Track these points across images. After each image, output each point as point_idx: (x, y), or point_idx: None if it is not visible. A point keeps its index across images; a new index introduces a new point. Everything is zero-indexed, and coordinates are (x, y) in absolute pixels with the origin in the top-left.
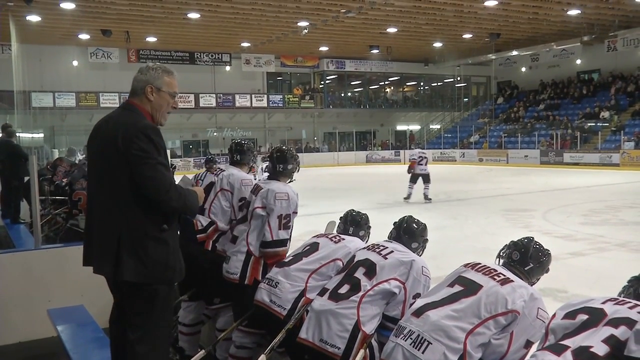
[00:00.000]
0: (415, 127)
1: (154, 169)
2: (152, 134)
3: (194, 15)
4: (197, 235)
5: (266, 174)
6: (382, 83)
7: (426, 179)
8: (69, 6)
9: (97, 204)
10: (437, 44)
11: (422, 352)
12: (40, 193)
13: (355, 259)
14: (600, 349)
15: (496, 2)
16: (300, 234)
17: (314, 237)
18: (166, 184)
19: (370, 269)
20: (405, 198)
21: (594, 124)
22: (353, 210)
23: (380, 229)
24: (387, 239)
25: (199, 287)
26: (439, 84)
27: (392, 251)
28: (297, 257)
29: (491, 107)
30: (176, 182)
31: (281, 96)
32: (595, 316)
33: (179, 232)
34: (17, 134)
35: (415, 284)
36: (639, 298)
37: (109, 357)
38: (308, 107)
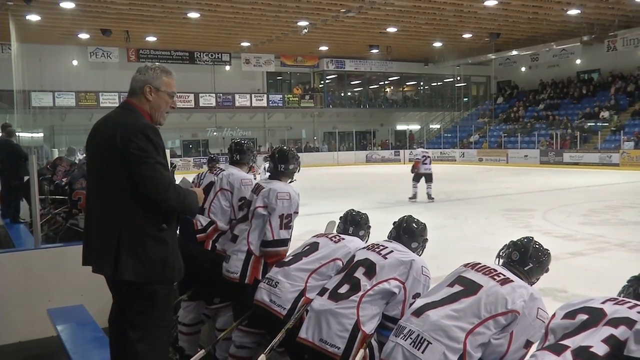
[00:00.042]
0: (415, 127)
1: (153, 168)
2: (151, 134)
3: (193, 15)
4: (197, 235)
5: (268, 174)
6: (382, 83)
7: (429, 178)
8: (68, 5)
9: (96, 204)
10: (437, 44)
11: (422, 352)
12: (40, 192)
13: (355, 259)
14: (600, 349)
15: (496, 2)
16: (300, 233)
17: (314, 236)
18: (165, 183)
19: (370, 268)
20: (410, 198)
21: (593, 124)
22: (353, 210)
23: (380, 229)
24: (386, 238)
25: (198, 286)
26: (438, 83)
27: (391, 251)
28: (297, 256)
29: (491, 106)
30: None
31: (281, 96)
32: (595, 316)
33: (178, 232)
34: (17, 134)
35: (415, 284)
36: (638, 298)
37: (108, 356)
38: (308, 106)
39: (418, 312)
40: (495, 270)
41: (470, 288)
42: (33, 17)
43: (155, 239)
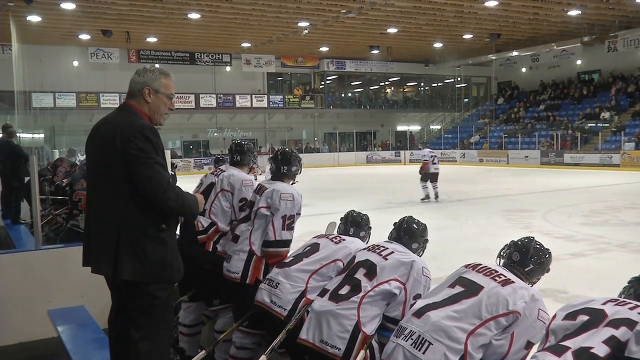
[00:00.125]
0: (416, 128)
1: (151, 168)
2: (150, 134)
3: (194, 16)
4: (198, 237)
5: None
6: (383, 83)
7: (436, 177)
8: (69, 6)
9: (96, 204)
10: (438, 45)
11: (423, 353)
12: (41, 193)
13: (356, 260)
14: (601, 350)
15: (496, 3)
16: (301, 234)
17: (315, 237)
18: (163, 183)
19: (371, 269)
20: (423, 199)
21: (594, 125)
22: (353, 210)
23: (380, 230)
24: (387, 239)
25: (199, 288)
26: (439, 84)
27: (392, 252)
28: (298, 257)
29: (491, 107)
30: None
31: (281, 96)
32: (595, 317)
33: (179, 233)
34: (18, 134)
35: (415, 285)
36: (639, 299)
37: (109, 357)
38: (308, 107)
39: (419, 313)
40: (496, 271)
41: (471, 289)
42: (34, 18)
43: (155, 239)
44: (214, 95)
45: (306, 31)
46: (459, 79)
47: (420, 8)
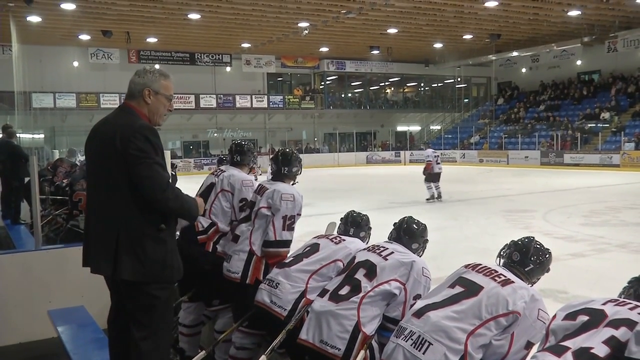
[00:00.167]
0: (416, 128)
1: (151, 168)
2: (149, 134)
3: (194, 16)
4: (198, 237)
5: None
6: (383, 84)
7: (438, 177)
8: (69, 7)
9: (95, 204)
10: (438, 45)
11: (423, 353)
12: (41, 194)
13: (356, 260)
14: (601, 350)
15: (496, 3)
16: (301, 234)
17: (315, 238)
18: (162, 183)
19: (371, 270)
20: (428, 199)
21: (594, 125)
22: (353, 211)
23: (380, 230)
24: (387, 239)
25: (199, 288)
26: (439, 84)
27: (392, 252)
28: (298, 258)
29: (491, 108)
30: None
31: (281, 97)
32: (595, 317)
33: (179, 234)
34: (18, 135)
35: (415, 285)
36: (639, 299)
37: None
38: (308, 107)
39: (419, 313)
40: (496, 271)
41: (471, 289)
42: (34, 19)
43: (154, 239)
44: (214, 96)
45: (306, 31)
46: (459, 79)
47: (420, 8)
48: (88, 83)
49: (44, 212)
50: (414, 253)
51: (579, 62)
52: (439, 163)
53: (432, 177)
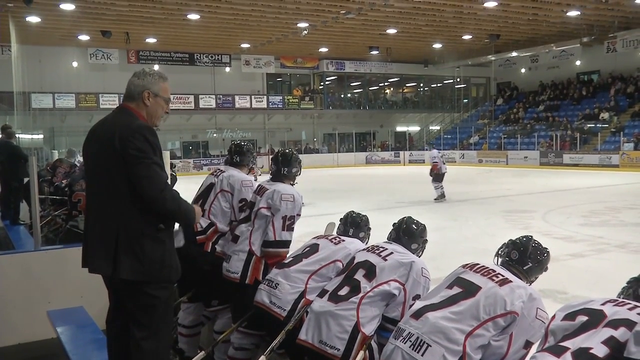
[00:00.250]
0: (415, 129)
1: (149, 168)
2: (148, 134)
3: (193, 17)
4: (197, 237)
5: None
6: (382, 84)
7: (442, 177)
8: (68, 7)
9: (94, 205)
10: (437, 45)
11: (422, 355)
12: (40, 194)
13: (355, 261)
14: (600, 351)
15: (496, 3)
16: (300, 235)
17: (314, 238)
18: (160, 183)
19: (370, 270)
20: (436, 199)
21: (593, 125)
22: (353, 211)
23: (380, 230)
24: (386, 240)
25: (198, 288)
26: (438, 85)
27: (391, 252)
28: (297, 258)
29: (491, 108)
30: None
31: (281, 97)
32: (594, 317)
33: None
34: (17, 135)
35: (415, 285)
36: (638, 299)
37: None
38: (308, 108)
39: (417, 315)
40: (494, 271)
41: (469, 290)
42: (33, 19)
43: (153, 238)
44: (214, 96)
45: (305, 32)
46: (458, 79)
47: (419, 9)
48: (87, 83)
49: (43, 213)
50: (413, 253)
51: (578, 63)
52: (444, 163)
53: (439, 177)
